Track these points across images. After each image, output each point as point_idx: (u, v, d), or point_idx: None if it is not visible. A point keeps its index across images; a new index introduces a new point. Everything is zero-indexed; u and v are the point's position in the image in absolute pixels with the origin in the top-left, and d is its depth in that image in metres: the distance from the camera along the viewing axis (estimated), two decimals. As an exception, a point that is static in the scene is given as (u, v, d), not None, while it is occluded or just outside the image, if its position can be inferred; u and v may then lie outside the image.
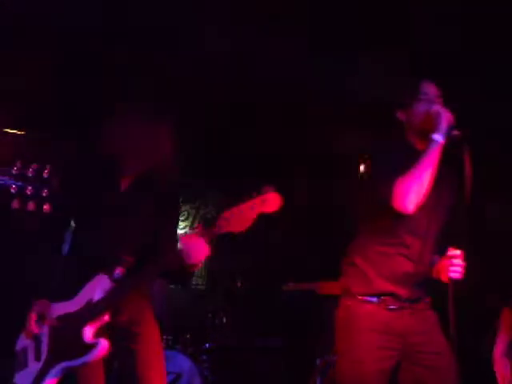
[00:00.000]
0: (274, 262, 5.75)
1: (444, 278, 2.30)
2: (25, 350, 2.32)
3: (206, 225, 2.08)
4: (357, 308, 2.31)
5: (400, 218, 2.23)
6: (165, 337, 4.29)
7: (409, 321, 2.28)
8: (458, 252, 2.25)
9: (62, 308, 2.27)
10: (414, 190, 2.12)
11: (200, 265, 2.17)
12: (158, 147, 2.39)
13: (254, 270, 5.33)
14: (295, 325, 4.90)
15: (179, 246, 2.18)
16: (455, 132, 2.16)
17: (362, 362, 2.23)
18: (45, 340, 2.28)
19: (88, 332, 2.17)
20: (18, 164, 1.69)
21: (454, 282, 2.24)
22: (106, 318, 2.17)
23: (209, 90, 4.75)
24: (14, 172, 1.72)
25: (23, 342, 2.34)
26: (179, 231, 6.75)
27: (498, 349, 3.33)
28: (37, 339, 2.30)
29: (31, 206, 1.70)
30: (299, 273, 4.81)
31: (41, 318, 2.27)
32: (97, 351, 2.14)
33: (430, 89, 2.32)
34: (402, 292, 2.28)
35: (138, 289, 2.29)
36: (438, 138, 2.14)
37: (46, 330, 2.27)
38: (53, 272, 2.37)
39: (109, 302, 2.17)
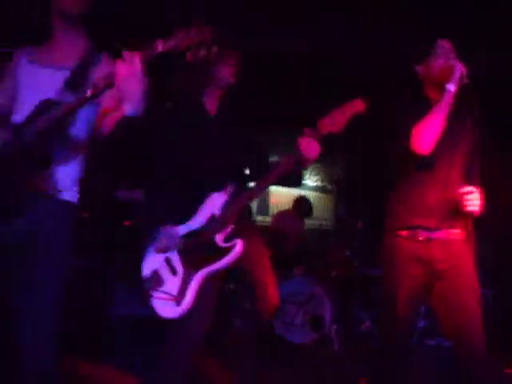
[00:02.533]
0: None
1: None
2: (155, 272, 2.46)
3: (311, 128, 2.40)
4: (390, 241, 2.45)
5: (420, 158, 2.33)
6: (300, 266, 4.95)
7: (436, 250, 2.36)
8: (470, 188, 2.31)
9: (184, 228, 2.46)
10: (429, 133, 2.25)
11: (311, 162, 2.43)
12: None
13: (374, 214, 5.43)
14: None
15: (296, 148, 2.40)
16: (465, 80, 2.27)
17: (394, 288, 2.39)
18: (175, 257, 2.44)
19: (219, 239, 2.40)
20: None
21: (473, 215, 2.31)
22: (231, 226, 2.41)
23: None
24: None
25: (149, 266, 2.48)
26: (311, 183, 7.12)
27: None
28: (166, 259, 2.45)
29: (203, 53, 1.75)
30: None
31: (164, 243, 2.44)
32: (236, 251, 2.35)
33: (446, 44, 2.40)
34: (430, 223, 2.37)
35: (251, 200, 2.53)
36: (451, 87, 2.26)
37: (173, 250, 2.45)
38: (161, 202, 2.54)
39: (231, 213, 2.41)
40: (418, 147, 2.29)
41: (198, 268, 2.39)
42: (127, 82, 1.76)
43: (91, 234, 4.51)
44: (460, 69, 2.28)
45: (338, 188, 7.25)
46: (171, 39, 1.77)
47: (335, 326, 4.73)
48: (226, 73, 2.52)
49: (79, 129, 2.04)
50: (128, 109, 1.80)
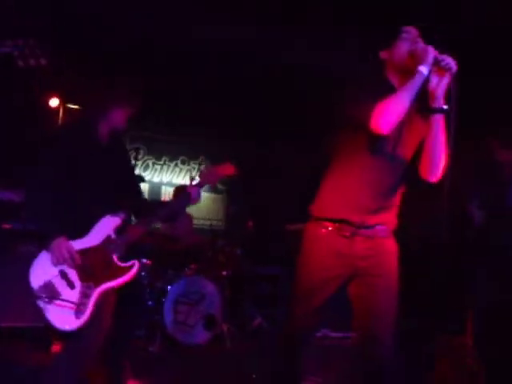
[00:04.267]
0: (282, 205, 6.16)
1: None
2: (49, 283, 2.45)
3: (194, 179, 2.80)
4: (314, 231, 2.36)
5: (368, 145, 2.24)
6: (192, 266, 4.93)
7: (360, 246, 2.29)
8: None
9: (80, 244, 2.52)
10: (392, 112, 2.11)
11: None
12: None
13: (264, 212, 5.88)
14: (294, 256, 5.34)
15: (186, 192, 2.74)
16: (443, 63, 2.14)
17: (311, 279, 2.33)
18: (71, 271, 2.47)
19: (116, 259, 2.54)
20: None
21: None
22: (124, 249, 2.56)
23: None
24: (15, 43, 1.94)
25: (40, 277, 2.46)
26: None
27: None
28: (61, 272, 2.47)
29: (32, 62, 1.90)
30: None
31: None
32: (133, 271, 2.53)
33: (412, 29, 2.31)
34: (357, 219, 2.28)
35: (143, 231, 2.66)
36: (424, 69, 2.13)
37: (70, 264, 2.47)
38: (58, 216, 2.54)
39: (126, 238, 2.59)
40: (377, 125, 2.14)
41: (97, 283, 2.48)
42: None
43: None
44: (433, 52, 2.15)
45: (228, 187, 7.31)
46: None
47: (227, 325, 4.77)
48: (118, 117, 2.70)
49: None
50: None
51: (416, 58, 2.19)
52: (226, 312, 4.79)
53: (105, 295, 2.48)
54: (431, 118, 2.20)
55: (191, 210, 6.17)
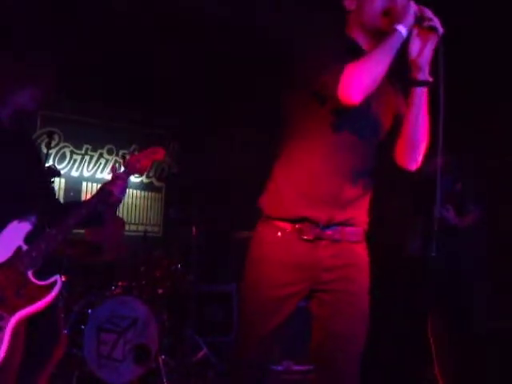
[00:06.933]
0: (229, 211, 5.92)
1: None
2: None
3: (118, 169, 2.57)
4: (266, 234, 2.07)
5: (332, 118, 1.98)
6: (120, 283, 4.44)
7: (324, 254, 2.02)
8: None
9: None
10: (366, 77, 1.85)
11: (120, 202, 2.60)
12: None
13: (209, 218, 5.40)
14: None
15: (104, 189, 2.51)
16: (427, 23, 1.88)
17: (262, 299, 2.05)
18: None
19: (32, 276, 2.28)
20: None
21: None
22: (41, 262, 2.31)
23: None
24: None
25: None
26: (134, 179, 6.94)
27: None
28: None
29: None
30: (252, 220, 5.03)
31: None
32: (57, 288, 2.28)
33: None
34: (322, 215, 2.00)
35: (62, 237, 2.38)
36: (403, 29, 1.86)
37: None
38: None
39: (42, 248, 2.31)
40: (348, 93, 1.83)
41: (11, 311, 2.24)
42: None
43: None
44: (414, 10, 1.87)
45: (168, 185, 6.85)
46: None
47: (163, 357, 4.31)
48: (23, 100, 2.44)
49: None
50: None
51: (392, 18, 1.93)
52: (163, 341, 4.33)
53: (21, 325, 2.25)
54: (413, 91, 1.97)
55: (120, 211, 5.98)
